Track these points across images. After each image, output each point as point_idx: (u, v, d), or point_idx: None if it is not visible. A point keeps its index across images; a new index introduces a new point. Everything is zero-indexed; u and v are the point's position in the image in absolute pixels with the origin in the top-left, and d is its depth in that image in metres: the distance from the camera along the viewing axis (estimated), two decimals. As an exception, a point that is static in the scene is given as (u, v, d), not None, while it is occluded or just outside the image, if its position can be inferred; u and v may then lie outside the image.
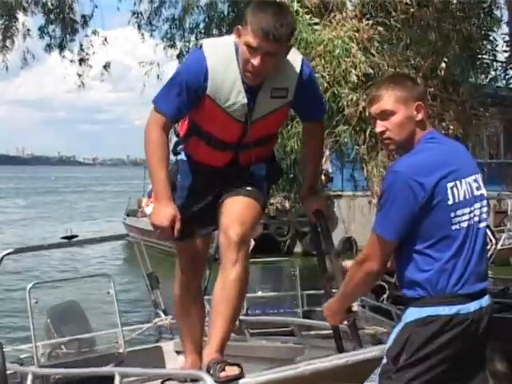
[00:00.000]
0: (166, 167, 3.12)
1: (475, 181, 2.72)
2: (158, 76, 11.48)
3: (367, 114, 6.22)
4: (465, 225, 2.63)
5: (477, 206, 2.68)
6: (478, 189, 2.72)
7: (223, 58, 3.03)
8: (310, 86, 3.18)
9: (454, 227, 2.61)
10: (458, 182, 2.64)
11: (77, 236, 6.37)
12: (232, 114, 3.05)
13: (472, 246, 2.64)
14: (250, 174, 3.26)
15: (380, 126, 2.78)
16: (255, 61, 2.88)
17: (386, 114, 2.75)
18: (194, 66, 3.09)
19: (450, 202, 2.61)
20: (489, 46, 7.69)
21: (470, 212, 2.65)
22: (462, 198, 2.64)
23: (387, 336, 2.88)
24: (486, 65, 7.69)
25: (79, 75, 12.10)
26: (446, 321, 2.57)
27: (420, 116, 2.77)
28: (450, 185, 2.62)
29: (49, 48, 11.91)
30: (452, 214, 2.62)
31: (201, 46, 3.11)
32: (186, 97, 3.05)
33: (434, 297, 2.60)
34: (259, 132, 3.16)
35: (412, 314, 2.66)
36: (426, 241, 2.62)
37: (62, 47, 11.84)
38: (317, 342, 4.45)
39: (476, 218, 2.67)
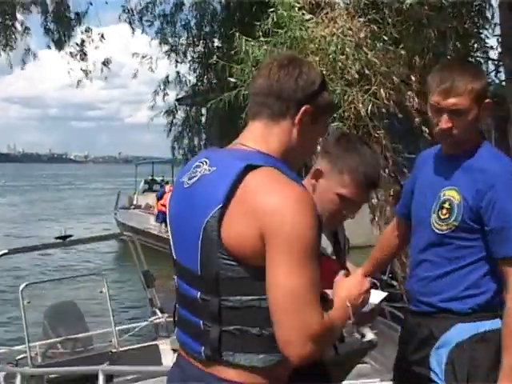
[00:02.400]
0: None
1: None
2: (150, 68, 11.51)
3: (361, 112, 6.24)
4: None
5: None
6: None
7: None
8: None
9: None
10: None
11: (71, 236, 6.38)
12: None
13: None
14: None
15: (447, 123, 2.43)
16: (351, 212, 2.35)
17: (458, 111, 2.41)
18: None
19: None
20: (481, 44, 7.72)
21: None
22: None
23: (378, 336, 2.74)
24: (478, 63, 7.72)
25: (84, 71, 12.07)
26: None
27: (485, 113, 2.51)
28: None
29: (53, 44, 11.92)
30: None
31: None
32: None
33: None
34: None
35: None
36: None
37: (60, 45, 11.83)
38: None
39: None
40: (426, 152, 2.74)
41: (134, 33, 12.25)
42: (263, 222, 1.63)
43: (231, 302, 1.69)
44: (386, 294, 2.19)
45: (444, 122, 2.43)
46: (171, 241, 1.86)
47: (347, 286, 1.85)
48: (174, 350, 5.27)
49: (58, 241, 6.59)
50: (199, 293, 1.73)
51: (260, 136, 1.81)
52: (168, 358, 5.31)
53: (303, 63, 1.86)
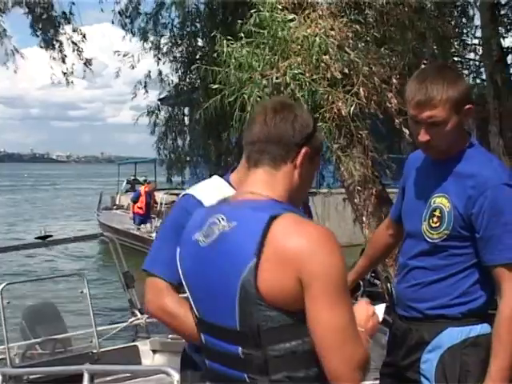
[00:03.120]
0: None
1: None
2: (132, 66, 11.45)
3: (343, 112, 6.24)
4: None
5: None
6: None
7: None
8: None
9: None
10: None
11: (51, 236, 6.33)
12: None
13: None
14: None
15: (425, 135, 2.38)
16: None
17: (435, 123, 2.35)
18: None
19: None
20: (462, 46, 7.76)
21: None
22: None
23: None
24: (460, 64, 7.75)
25: (64, 73, 11.97)
26: None
27: (468, 119, 2.45)
28: None
29: (43, 44, 11.82)
30: None
31: None
32: None
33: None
34: None
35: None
36: None
37: (48, 44, 11.74)
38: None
39: None
40: (415, 155, 2.69)
41: (124, 37, 12.13)
42: (299, 267, 1.67)
43: (276, 351, 1.71)
44: (385, 304, 2.22)
45: (422, 136, 2.39)
46: (191, 300, 1.87)
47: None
48: (154, 351, 5.26)
49: (38, 241, 6.54)
50: (240, 348, 1.73)
51: (265, 183, 1.85)
52: (148, 359, 5.30)
53: (296, 107, 1.92)
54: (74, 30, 11.83)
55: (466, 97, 2.40)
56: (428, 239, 2.45)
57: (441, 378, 2.40)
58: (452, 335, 2.41)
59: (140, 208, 21.09)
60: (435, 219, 2.41)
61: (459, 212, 2.37)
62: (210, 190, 2.42)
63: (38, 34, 11.72)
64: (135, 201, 21.34)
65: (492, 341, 2.33)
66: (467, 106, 2.39)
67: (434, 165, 2.50)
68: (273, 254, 1.69)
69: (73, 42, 11.80)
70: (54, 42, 11.76)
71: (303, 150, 1.86)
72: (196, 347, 2.18)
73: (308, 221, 1.78)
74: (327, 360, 1.69)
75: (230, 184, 2.45)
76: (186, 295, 1.93)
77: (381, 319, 2.09)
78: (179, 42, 11.72)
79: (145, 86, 11.90)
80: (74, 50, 11.85)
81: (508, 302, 2.31)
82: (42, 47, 11.89)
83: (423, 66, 2.59)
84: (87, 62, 11.99)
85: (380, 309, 2.16)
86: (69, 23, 11.73)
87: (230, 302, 1.72)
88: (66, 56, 11.84)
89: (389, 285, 6.25)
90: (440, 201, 2.42)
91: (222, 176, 2.53)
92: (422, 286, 2.48)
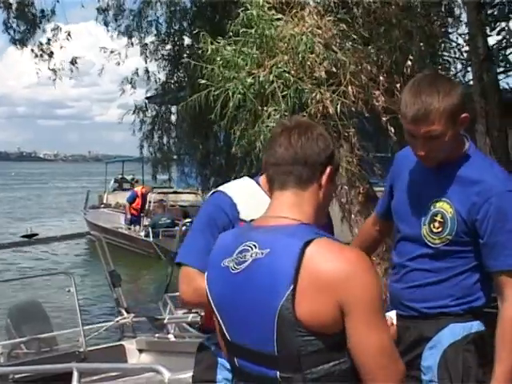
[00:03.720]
0: None
1: None
2: (118, 63, 11.41)
3: (330, 111, 6.24)
4: None
5: None
6: None
7: None
8: None
9: None
10: None
11: (37, 234, 6.31)
12: None
13: None
14: None
15: (423, 149, 2.38)
16: None
17: (433, 137, 2.34)
18: None
19: None
20: (449, 44, 7.78)
21: None
22: None
23: None
24: (447, 62, 7.77)
25: (52, 70, 11.88)
26: None
27: (464, 126, 2.42)
28: None
29: (15, 42, 11.71)
30: None
31: None
32: None
33: None
34: None
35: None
36: None
37: (23, 42, 11.64)
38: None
39: None
40: (403, 153, 2.67)
41: (111, 36, 12.06)
42: (338, 291, 1.69)
43: (315, 374, 1.73)
44: (395, 311, 2.31)
45: (419, 149, 2.39)
46: (222, 324, 1.87)
47: None
48: (140, 350, 5.24)
49: (24, 239, 6.51)
50: (278, 372, 1.74)
51: (294, 205, 1.85)
52: (134, 358, 5.28)
53: (316, 126, 1.94)
54: (55, 29, 11.75)
55: (462, 105, 2.39)
56: (430, 244, 2.46)
57: (444, 374, 2.42)
58: (454, 331, 2.43)
59: (135, 210, 21.06)
60: (437, 224, 2.42)
61: (462, 217, 2.38)
62: (241, 189, 2.50)
63: (14, 31, 11.62)
64: (131, 202, 21.25)
65: (496, 344, 2.36)
66: (463, 115, 2.38)
67: (432, 169, 2.48)
68: (309, 279, 1.70)
69: (48, 41, 11.72)
70: (30, 40, 11.66)
71: (328, 170, 1.88)
72: (214, 341, 2.26)
73: (342, 245, 1.79)
74: (372, 380, 1.74)
75: (259, 186, 2.49)
76: None
77: (395, 325, 2.12)
78: (166, 40, 11.69)
79: (131, 82, 11.86)
80: (48, 51, 11.77)
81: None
82: (15, 45, 11.78)
83: (417, 76, 2.52)
84: (73, 61, 11.93)
85: (393, 316, 2.19)
86: (48, 21, 11.65)
87: (268, 328, 1.73)
88: (51, 54, 11.76)
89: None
90: (441, 205, 2.43)
91: (252, 178, 2.57)
92: (422, 286, 2.50)
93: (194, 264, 2.38)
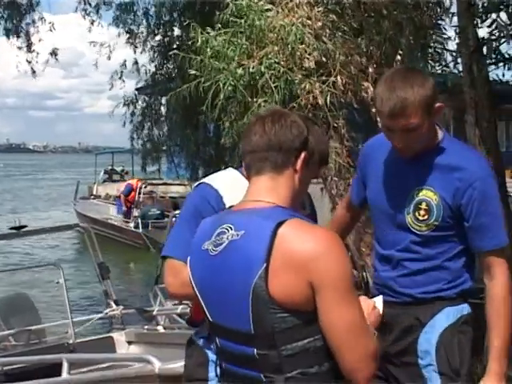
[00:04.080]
0: None
1: None
2: (108, 57, 11.35)
3: (320, 102, 6.23)
4: None
5: None
6: None
7: None
8: None
9: None
10: None
11: (26, 226, 6.28)
12: None
13: None
14: None
15: (401, 141, 2.45)
16: None
17: (410, 129, 2.40)
18: None
19: None
20: (439, 36, 7.77)
21: None
22: None
23: None
24: (437, 53, 7.76)
25: (29, 62, 11.79)
26: None
27: (439, 116, 2.50)
28: None
29: (7, 34, 11.60)
30: None
31: None
32: None
33: None
34: None
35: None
36: None
37: (7, 33, 11.53)
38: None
39: None
40: (371, 143, 2.78)
41: (92, 24, 11.94)
42: (308, 270, 1.76)
43: (290, 350, 1.79)
44: (382, 296, 2.33)
45: (397, 142, 2.48)
46: (204, 306, 1.94)
47: None
48: (129, 342, 5.24)
49: (12, 231, 6.47)
50: (255, 349, 1.81)
51: (270, 189, 1.93)
52: (123, 350, 5.27)
53: (290, 114, 2.03)
54: (40, 19, 11.64)
55: (435, 96, 2.46)
56: (416, 231, 2.53)
57: (442, 357, 2.49)
58: (449, 314, 2.52)
59: (130, 202, 21.30)
60: (422, 212, 2.49)
61: (447, 203, 2.47)
62: (227, 181, 2.51)
63: (3, 21, 11.51)
64: (127, 194, 21.47)
65: (491, 321, 2.47)
66: (437, 105, 2.45)
67: (407, 159, 2.54)
68: (281, 258, 1.76)
69: (27, 33, 11.59)
70: (18, 30, 11.55)
71: (302, 155, 1.96)
72: (202, 335, 2.37)
73: (313, 225, 1.88)
74: (343, 356, 1.79)
75: (243, 176, 2.46)
76: None
77: (381, 311, 2.17)
78: (156, 31, 11.63)
79: (121, 76, 11.81)
80: (32, 42, 11.68)
81: (502, 284, 2.46)
82: (5, 35, 11.69)
83: (389, 71, 2.60)
84: (53, 52, 11.83)
85: (379, 301, 2.22)
86: (34, 11, 11.53)
87: (244, 307, 1.79)
88: (32, 44, 11.64)
89: (365, 274, 6.26)
90: (424, 194, 2.50)
91: (236, 169, 2.58)
92: (414, 273, 2.57)
93: (179, 257, 2.39)
